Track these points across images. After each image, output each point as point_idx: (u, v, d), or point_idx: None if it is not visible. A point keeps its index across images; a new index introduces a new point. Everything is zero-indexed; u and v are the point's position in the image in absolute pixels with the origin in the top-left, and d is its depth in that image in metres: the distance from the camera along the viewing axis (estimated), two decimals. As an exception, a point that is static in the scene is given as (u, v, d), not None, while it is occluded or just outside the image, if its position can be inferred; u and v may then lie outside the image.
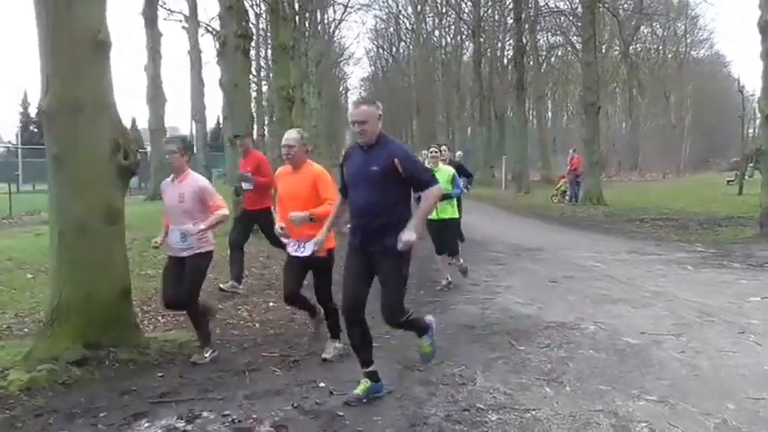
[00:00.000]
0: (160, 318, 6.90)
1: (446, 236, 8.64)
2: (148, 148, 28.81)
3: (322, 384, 4.80)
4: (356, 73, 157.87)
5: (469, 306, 7.51)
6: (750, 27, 13.82)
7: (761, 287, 8.31)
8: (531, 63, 40.75)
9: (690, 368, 5.08)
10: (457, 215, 8.93)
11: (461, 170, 10.97)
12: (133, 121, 62.74)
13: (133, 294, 7.25)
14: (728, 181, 33.09)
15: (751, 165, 36.78)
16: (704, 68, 62.39)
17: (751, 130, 45.08)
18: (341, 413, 4.26)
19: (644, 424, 4.02)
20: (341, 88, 76.87)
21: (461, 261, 8.98)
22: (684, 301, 7.51)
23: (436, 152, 8.65)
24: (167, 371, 5.20)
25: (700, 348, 5.61)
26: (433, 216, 7.56)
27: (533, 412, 4.23)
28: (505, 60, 47.90)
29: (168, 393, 4.70)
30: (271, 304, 7.62)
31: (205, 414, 4.29)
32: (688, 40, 60.11)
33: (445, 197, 7.76)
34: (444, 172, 8.34)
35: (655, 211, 19.56)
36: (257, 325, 6.76)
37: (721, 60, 65.64)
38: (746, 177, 29.11)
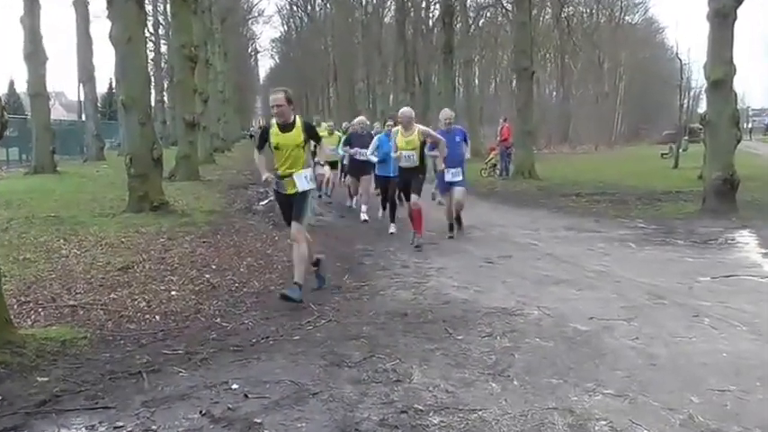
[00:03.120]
0: (41, 310, 6.32)
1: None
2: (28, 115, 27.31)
3: (235, 386, 4.47)
4: (267, 33, 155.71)
5: (401, 291, 7.30)
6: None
7: (708, 266, 8.44)
8: (460, 25, 40.79)
9: (646, 357, 5.01)
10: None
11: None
12: (11, 84, 59.61)
13: (9, 283, 6.80)
14: (663, 154, 34.19)
15: (685, 138, 38.28)
16: (638, 34, 64.11)
17: (686, 101, 46.73)
18: (258, 420, 3.94)
19: (603, 422, 3.88)
20: (250, 50, 75.37)
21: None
22: (631, 282, 7.54)
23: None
24: (48, 374, 4.70)
25: (654, 334, 5.57)
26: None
27: (480, 413, 4.04)
28: (431, 22, 47.83)
29: (48, 402, 4.23)
30: (173, 293, 7.16)
31: (94, 426, 3.90)
32: (622, 3, 61.63)
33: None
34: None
35: (590, 185, 19.88)
36: (157, 317, 6.29)
37: (655, 26, 67.61)
38: (681, 150, 30.12)
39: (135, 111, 12.79)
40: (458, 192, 10.84)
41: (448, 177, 10.85)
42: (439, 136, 10.61)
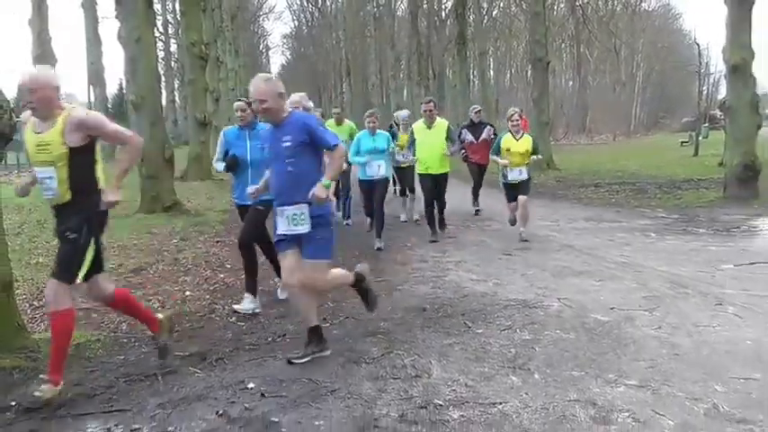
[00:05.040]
0: (54, 314, 6.38)
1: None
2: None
3: (251, 385, 4.47)
4: (278, 29, 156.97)
5: (419, 285, 7.29)
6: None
7: (731, 254, 8.38)
8: (473, 16, 40.70)
9: (669, 347, 4.97)
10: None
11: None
12: (19, 87, 59.98)
13: (21, 288, 6.84)
14: (683, 142, 34.01)
15: (706, 125, 38.00)
16: (655, 21, 63.72)
17: (705, 87, 46.31)
18: (275, 419, 3.94)
19: (626, 413, 3.85)
20: (261, 47, 75.55)
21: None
22: (653, 272, 7.49)
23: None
24: (62, 378, 4.69)
25: (677, 324, 5.52)
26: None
27: (500, 406, 4.01)
28: (444, 14, 47.72)
29: (63, 406, 4.24)
30: (188, 294, 7.20)
31: (110, 429, 3.91)
32: (638, -11, 61.21)
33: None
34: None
35: (609, 176, 19.92)
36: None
37: (672, 13, 67.22)
38: (701, 138, 29.91)
39: (145, 111, 12.83)
40: (306, 268, 4.88)
41: (281, 228, 4.92)
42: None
